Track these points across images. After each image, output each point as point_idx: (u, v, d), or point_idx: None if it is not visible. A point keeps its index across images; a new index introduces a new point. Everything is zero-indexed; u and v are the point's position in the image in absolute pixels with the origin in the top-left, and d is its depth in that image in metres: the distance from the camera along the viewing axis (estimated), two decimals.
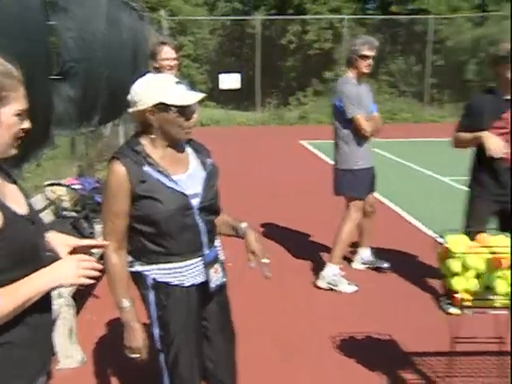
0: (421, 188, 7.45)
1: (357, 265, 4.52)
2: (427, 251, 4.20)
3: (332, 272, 4.07)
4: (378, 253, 4.55)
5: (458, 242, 2.19)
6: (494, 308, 2.24)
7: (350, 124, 3.95)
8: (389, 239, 5.04)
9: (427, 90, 18.21)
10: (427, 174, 8.45)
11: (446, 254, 2.18)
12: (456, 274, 2.16)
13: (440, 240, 2.26)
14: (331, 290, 4.02)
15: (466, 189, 3.54)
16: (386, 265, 4.43)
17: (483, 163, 3.30)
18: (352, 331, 3.33)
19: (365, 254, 4.50)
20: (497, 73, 3.22)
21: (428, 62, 18.09)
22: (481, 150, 3.23)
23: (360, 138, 3.98)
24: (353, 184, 4.06)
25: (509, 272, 2.13)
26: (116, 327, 2.67)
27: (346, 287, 4.04)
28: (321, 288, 4.06)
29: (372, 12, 22.81)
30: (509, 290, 2.17)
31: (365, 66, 3.95)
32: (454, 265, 2.14)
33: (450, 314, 3.34)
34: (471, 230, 2.45)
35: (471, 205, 3.47)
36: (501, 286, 2.16)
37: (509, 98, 3.19)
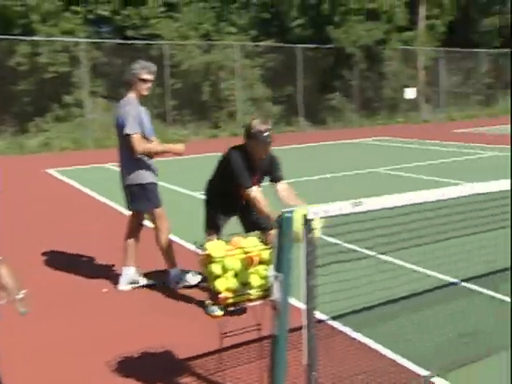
0: (174, 204, 7.84)
1: (123, 286, 4.53)
2: (191, 262, 4.48)
3: (175, 273, 4.39)
4: (144, 271, 4.66)
5: (216, 248, 2.46)
6: (251, 300, 2.58)
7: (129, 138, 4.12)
8: (151, 256, 5.20)
9: (169, 112, 19.14)
10: (177, 190, 8.92)
11: (207, 259, 2.43)
12: (218, 277, 2.42)
13: (200, 248, 2.50)
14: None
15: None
16: (152, 281, 4.57)
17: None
18: (125, 351, 3.36)
19: (130, 271, 4.54)
20: (249, 144, 3.81)
21: (167, 85, 19.03)
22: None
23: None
24: (146, 197, 4.27)
25: (261, 267, 2.48)
26: None
27: (192, 279, 4.32)
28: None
29: (108, 36, 22.85)
30: (261, 282, 2.53)
31: (145, 89, 4.23)
32: (215, 268, 2.40)
33: (216, 316, 3.65)
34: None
35: (208, 215, 4.08)
36: (254, 280, 2.51)
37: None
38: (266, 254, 2.50)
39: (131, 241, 4.50)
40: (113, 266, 5.04)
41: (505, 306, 3.79)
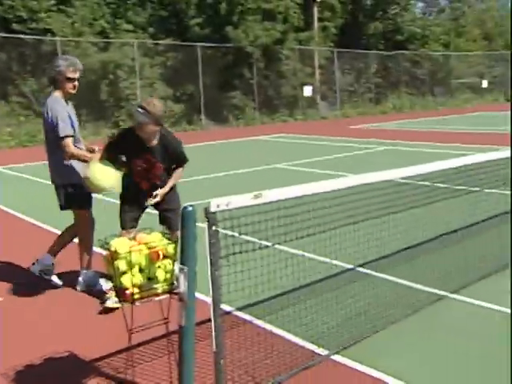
0: None
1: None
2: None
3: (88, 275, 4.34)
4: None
5: (121, 244, 2.48)
6: (158, 295, 2.63)
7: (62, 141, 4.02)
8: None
9: None
10: None
11: (113, 256, 2.45)
12: (124, 273, 2.45)
13: (105, 247, 2.51)
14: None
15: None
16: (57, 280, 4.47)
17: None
18: (27, 357, 3.26)
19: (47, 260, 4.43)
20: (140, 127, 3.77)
21: None
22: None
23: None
24: (76, 197, 4.18)
25: (166, 261, 2.54)
26: None
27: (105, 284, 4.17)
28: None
29: None
30: (167, 276, 2.59)
31: (70, 88, 4.09)
32: (121, 264, 2.43)
33: (113, 308, 3.65)
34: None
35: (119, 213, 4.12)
36: (160, 274, 2.56)
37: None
38: (170, 249, 2.56)
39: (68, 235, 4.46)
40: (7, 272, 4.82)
41: (391, 285, 4.16)
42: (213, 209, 2.42)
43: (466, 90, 35.44)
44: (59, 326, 3.75)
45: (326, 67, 26.96)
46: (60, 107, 4.06)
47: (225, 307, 3.18)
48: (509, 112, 25.28)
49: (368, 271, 4.45)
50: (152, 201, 3.92)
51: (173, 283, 2.63)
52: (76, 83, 4.13)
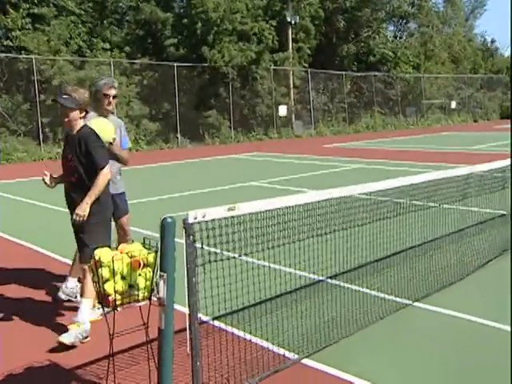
0: (57, 222, 7.67)
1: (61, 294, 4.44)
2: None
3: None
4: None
5: (104, 253, 2.66)
6: (138, 301, 2.81)
7: None
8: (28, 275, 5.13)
9: (41, 129, 18.34)
10: (49, 207, 8.65)
11: (96, 264, 2.62)
12: (107, 280, 2.63)
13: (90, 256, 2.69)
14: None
15: None
16: None
17: None
18: (6, 367, 3.36)
19: (70, 284, 4.45)
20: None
21: (37, 101, 18.25)
22: None
23: None
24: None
25: (146, 269, 2.73)
26: None
27: None
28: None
29: None
30: (147, 283, 2.78)
31: (107, 104, 4.30)
32: (105, 272, 2.60)
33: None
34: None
35: None
36: (141, 282, 2.74)
37: None
38: (151, 258, 2.75)
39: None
40: None
41: (359, 295, 4.39)
42: (190, 220, 2.63)
43: (436, 110, 36.52)
44: (38, 334, 3.86)
45: (300, 87, 27.55)
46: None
47: (202, 317, 3.37)
48: (475, 133, 26.14)
49: (336, 282, 4.69)
50: (76, 219, 3.64)
51: (152, 290, 2.81)
52: (111, 100, 4.33)
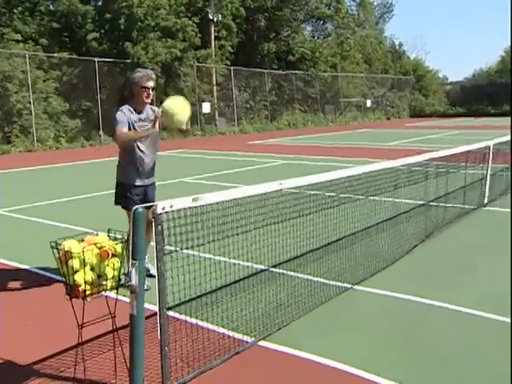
0: None
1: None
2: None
3: None
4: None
5: (73, 245, 2.70)
6: (106, 290, 2.86)
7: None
8: None
9: None
10: None
11: (66, 256, 2.65)
12: (77, 271, 2.66)
13: (57, 248, 2.71)
14: None
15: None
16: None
17: None
18: None
19: None
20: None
21: None
22: None
23: None
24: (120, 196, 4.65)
25: (114, 260, 2.79)
26: None
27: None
28: None
29: None
30: (115, 273, 2.84)
31: (146, 96, 4.39)
32: (75, 263, 2.64)
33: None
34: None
35: None
36: (109, 272, 2.80)
37: None
38: (119, 248, 2.81)
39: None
40: None
41: (304, 281, 4.66)
42: (159, 210, 2.73)
43: (353, 108, 38.16)
44: (6, 327, 3.77)
45: (223, 84, 27.73)
46: (120, 113, 4.34)
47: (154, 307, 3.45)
48: (389, 130, 27.64)
49: (282, 271, 4.93)
50: None
51: (120, 279, 2.87)
52: (150, 92, 4.42)
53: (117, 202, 4.69)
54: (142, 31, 22.24)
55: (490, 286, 4.59)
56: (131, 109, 4.43)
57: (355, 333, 3.72)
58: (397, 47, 52.68)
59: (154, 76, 4.48)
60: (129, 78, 4.51)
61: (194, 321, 3.78)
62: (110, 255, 2.76)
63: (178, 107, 4.09)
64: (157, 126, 4.24)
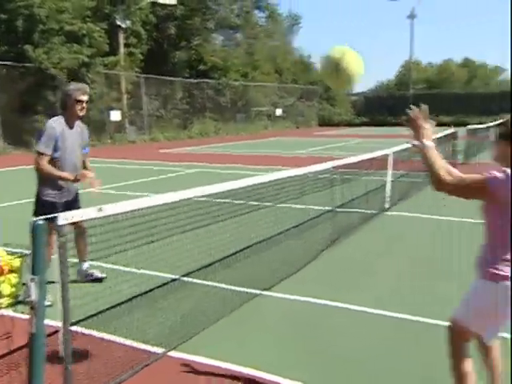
0: None
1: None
2: None
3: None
4: None
5: None
6: (1, 309, 2.71)
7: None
8: None
9: None
10: None
11: None
12: None
13: None
14: None
15: None
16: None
17: None
18: None
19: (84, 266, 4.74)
20: None
21: None
22: None
23: None
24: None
25: (11, 275, 2.65)
26: None
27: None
28: None
29: None
30: (12, 290, 2.70)
31: (80, 110, 4.41)
32: None
33: None
34: None
35: None
36: (5, 289, 2.66)
37: None
38: (16, 262, 2.67)
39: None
40: None
41: (214, 289, 4.68)
42: (60, 222, 2.63)
43: (263, 117, 38.91)
44: None
45: (133, 92, 27.17)
46: (50, 127, 4.35)
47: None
48: (298, 138, 28.48)
49: (193, 279, 4.92)
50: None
51: (18, 296, 2.73)
52: (84, 105, 4.45)
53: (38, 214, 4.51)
54: (44, 34, 21.22)
55: (388, 288, 4.88)
56: (63, 122, 4.46)
57: (263, 337, 3.80)
58: (305, 58, 54.54)
59: (88, 90, 4.58)
60: (62, 90, 4.65)
61: (100, 335, 3.67)
62: (7, 271, 2.62)
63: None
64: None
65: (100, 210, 2.84)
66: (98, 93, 24.29)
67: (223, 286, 4.77)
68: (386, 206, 8.45)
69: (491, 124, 17.50)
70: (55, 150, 4.38)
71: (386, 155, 8.86)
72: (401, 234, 6.94)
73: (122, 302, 4.18)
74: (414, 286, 4.87)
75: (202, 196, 4.09)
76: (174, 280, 4.90)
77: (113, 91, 25.41)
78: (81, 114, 4.47)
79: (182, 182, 11.80)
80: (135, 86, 27.21)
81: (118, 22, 25.35)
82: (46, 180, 4.48)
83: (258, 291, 4.67)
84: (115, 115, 24.82)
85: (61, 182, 4.51)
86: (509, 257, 2.36)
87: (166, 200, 3.65)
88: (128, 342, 3.62)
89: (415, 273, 5.27)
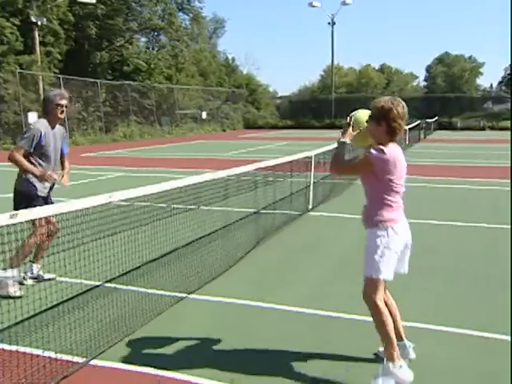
0: None
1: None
2: None
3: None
4: None
5: None
6: None
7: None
8: None
9: None
10: None
11: None
12: None
13: None
14: None
15: None
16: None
17: None
18: None
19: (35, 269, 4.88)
20: None
21: None
22: None
23: None
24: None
25: None
26: None
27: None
28: None
29: None
30: None
31: (60, 113, 4.82)
32: None
33: None
34: None
35: None
36: None
37: None
38: None
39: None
40: None
41: (138, 294, 4.60)
42: None
43: (189, 120, 38.68)
44: None
45: None
46: (35, 128, 4.75)
47: None
48: (224, 141, 28.61)
49: (116, 285, 4.80)
50: None
51: None
52: (64, 109, 4.86)
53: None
54: None
55: (312, 285, 5.02)
56: (46, 123, 4.87)
57: (189, 342, 3.78)
58: (230, 62, 54.84)
59: (67, 95, 4.98)
60: (44, 96, 5.05)
61: (14, 348, 3.50)
62: None
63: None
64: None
65: (13, 216, 2.72)
66: (13, 93, 23.12)
67: (148, 290, 4.70)
68: (309, 206, 8.67)
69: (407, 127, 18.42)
70: (40, 147, 4.77)
71: (309, 157, 9.10)
72: (323, 233, 7.15)
73: (40, 312, 4.00)
74: (336, 282, 5.04)
75: (123, 200, 4.01)
76: (96, 286, 4.77)
77: (29, 92, 24.26)
78: (61, 116, 4.92)
79: (104, 186, 11.48)
80: (54, 87, 26.11)
81: (33, 19, 24.18)
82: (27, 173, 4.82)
83: (183, 295, 4.64)
84: (32, 117, 23.69)
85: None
86: (385, 207, 3.15)
87: (85, 205, 3.55)
88: (46, 354, 3.47)
89: (339, 270, 5.45)
